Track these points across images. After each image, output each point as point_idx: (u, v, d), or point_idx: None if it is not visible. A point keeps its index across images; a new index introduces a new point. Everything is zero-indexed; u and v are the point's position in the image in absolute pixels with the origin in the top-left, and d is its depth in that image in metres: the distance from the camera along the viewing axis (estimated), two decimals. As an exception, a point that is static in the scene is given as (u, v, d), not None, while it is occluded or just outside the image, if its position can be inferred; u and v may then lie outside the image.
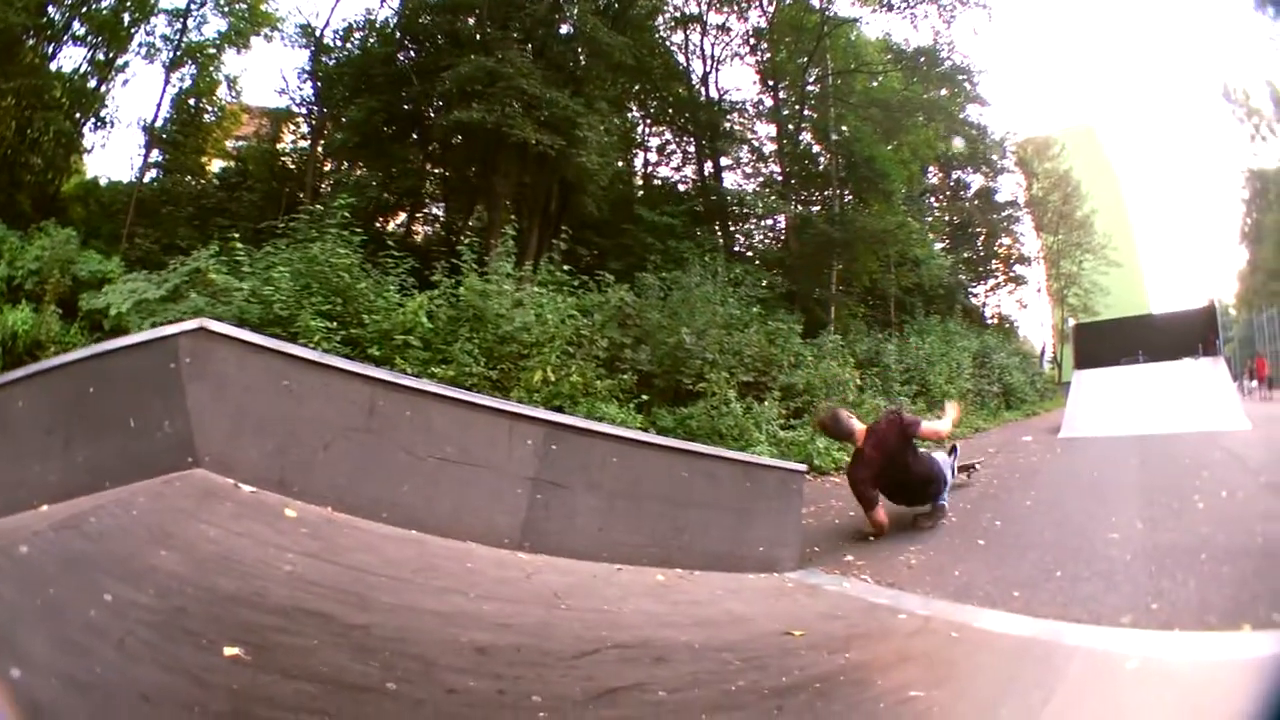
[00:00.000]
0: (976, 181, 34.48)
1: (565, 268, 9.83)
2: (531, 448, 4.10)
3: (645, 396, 8.76)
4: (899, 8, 18.98)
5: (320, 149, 17.10)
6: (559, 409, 8.19)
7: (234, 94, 18.06)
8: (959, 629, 3.60)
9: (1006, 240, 36.67)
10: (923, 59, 20.53)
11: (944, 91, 22.58)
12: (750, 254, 19.27)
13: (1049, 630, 3.56)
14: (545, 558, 3.86)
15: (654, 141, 21.11)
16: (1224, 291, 51.00)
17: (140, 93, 29.32)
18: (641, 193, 17.75)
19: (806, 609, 3.89)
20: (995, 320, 35.10)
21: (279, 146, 18.10)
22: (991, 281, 36.30)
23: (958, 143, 26.27)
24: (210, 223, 13.50)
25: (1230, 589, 4.02)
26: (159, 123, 15.98)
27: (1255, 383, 25.91)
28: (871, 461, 5.67)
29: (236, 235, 8.67)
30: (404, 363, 7.62)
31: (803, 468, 5.18)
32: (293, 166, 17.51)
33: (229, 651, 2.07)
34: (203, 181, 17.22)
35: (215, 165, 18.29)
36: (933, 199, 31.18)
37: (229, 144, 18.58)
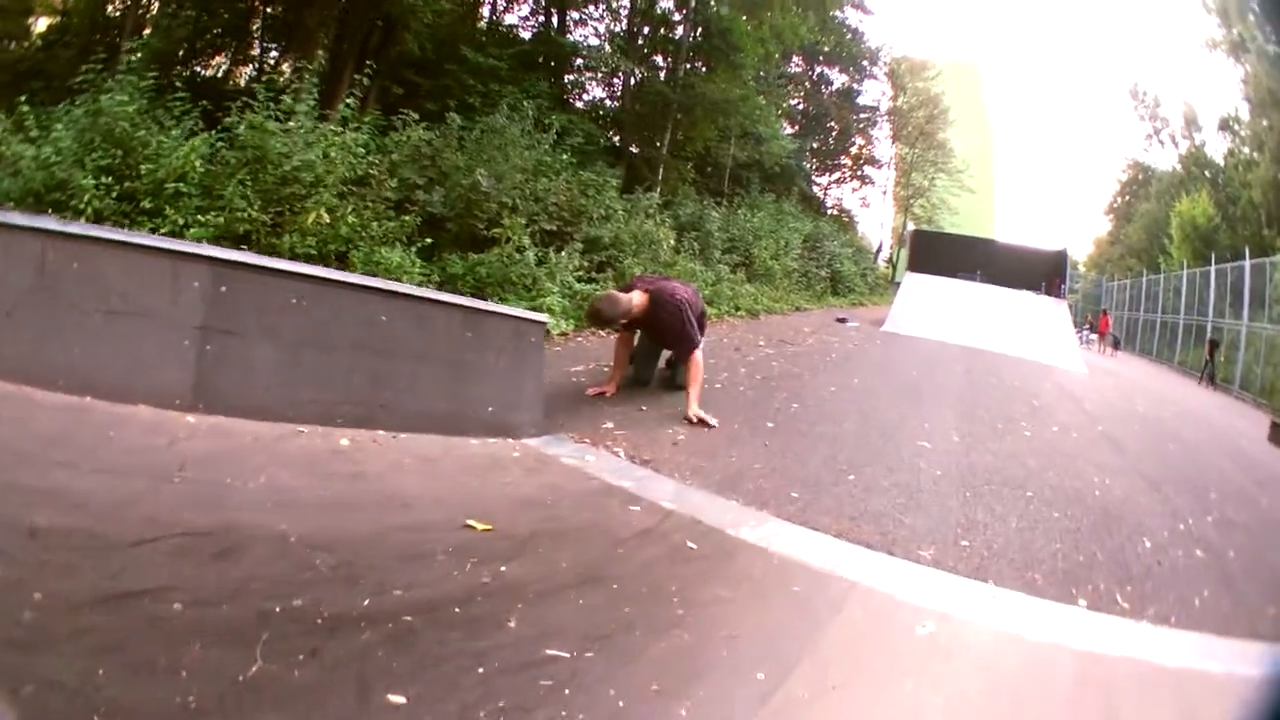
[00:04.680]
0: (840, 81, 34.45)
1: (350, 101, 8.71)
2: (198, 290, 3.46)
3: (430, 240, 7.98)
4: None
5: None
6: (342, 255, 7.44)
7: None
8: (700, 537, 2.79)
9: (860, 140, 37.26)
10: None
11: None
12: (581, 105, 18.22)
13: (824, 553, 2.80)
14: (217, 419, 3.30)
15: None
16: (1075, 247, 54.76)
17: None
18: (485, 38, 16.23)
19: (512, 490, 3.09)
20: (835, 211, 35.95)
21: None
22: (837, 175, 36.97)
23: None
24: (25, 87, 11.32)
25: (1062, 544, 3.39)
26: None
27: (1096, 336, 27.18)
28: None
29: (24, 99, 7.30)
30: (175, 212, 6.68)
31: (543, 318, 4.42)
32: (117, 13, 14.55)
33: None
34: (25, 44, 14.29)
35: (42, 25, 15.24)
36: (791, 86, 30.72)
37: (56, -1, 15.51)
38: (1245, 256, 21.97)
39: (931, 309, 15.11)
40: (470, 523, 2.54)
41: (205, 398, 3.40)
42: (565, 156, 10.42)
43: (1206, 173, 36.17)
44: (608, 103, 19.27)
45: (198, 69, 15.39)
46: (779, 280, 17.52)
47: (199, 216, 6.77)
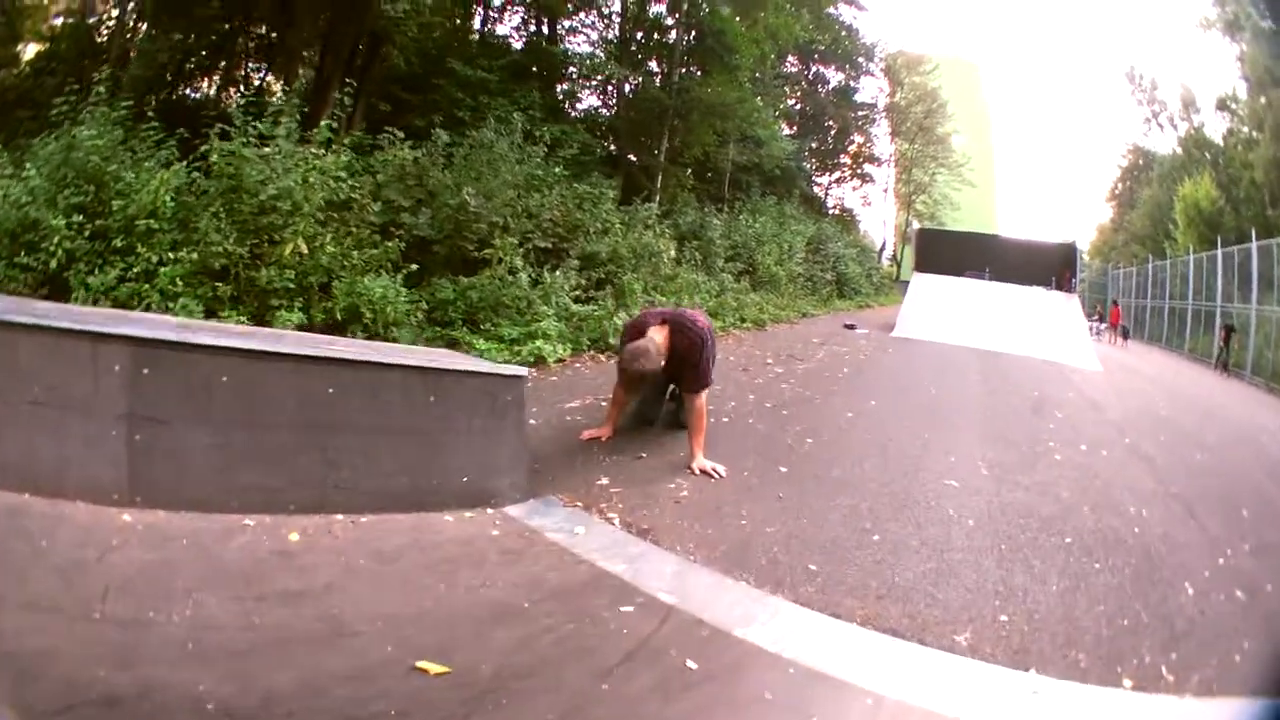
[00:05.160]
0: (837, 79, 33.94)
1: (329, 122, 8.21)
2: (119, 375, 3.02)
3: (415, 266, 7.37)
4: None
5: (132, 16, 13.95)
6: (325, 286, 6.90)
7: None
8: (701, 648, 2.28)
9: (859, 138, 36.73)
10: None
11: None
12: (575, 115, 17.64)
13: (846, 654, 2.37)
14: (156, 515, 2.85)
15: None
16: (1078, 236, 53.94)
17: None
18: (475, 51, 15.76)
19: (483, 595, 2.57)
20: (836, 211, 35.41)
21: (99, 19, 14.66)
22: (837, 174, 36.43)
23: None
24: (11, 117, 10.89)
25: (1105, 605, 2.96)
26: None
27: (1104, 325, 26.32)
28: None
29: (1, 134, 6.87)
30: (147, 249, 6.19)
31: (522, 372, 3.78)
32: (101, 39, 14.23)
33: None
34: (14, 72, 13.93)
35: (31, 52, 14.82)
36: (787, 87, 30.25)
37: (47, 24, 15.10)
38: (1252, 238, 21.36)
39: (940, 311, 14.51)
40: (422, 665, 2.01)
41: (142, 490, 2.93)
42: (559, 169, 9.83)
43: (1207, 154, 35.41)
44: (602, 111, 18.79)
45: (188, 92, 15.05)
46: (784, 287, 16.96)
47: (171, 254, 6.25)
